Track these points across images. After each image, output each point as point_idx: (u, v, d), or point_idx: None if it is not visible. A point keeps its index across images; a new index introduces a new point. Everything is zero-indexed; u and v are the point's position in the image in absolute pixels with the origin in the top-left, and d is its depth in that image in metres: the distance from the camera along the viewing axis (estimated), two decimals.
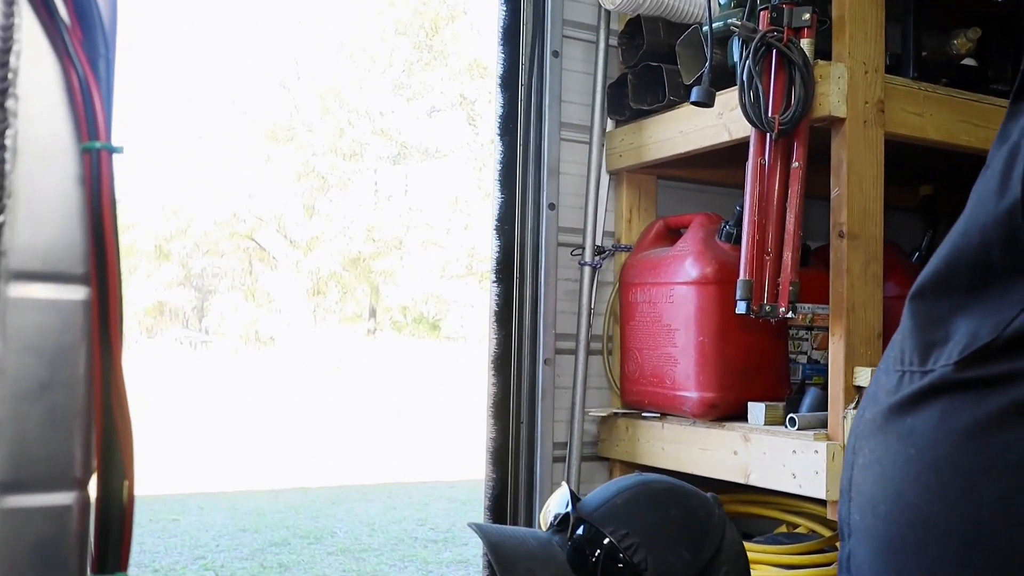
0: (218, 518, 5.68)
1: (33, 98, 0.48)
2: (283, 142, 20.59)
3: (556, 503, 1.33)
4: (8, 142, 0.47)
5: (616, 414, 2.18)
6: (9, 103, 0.47)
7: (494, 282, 2.15)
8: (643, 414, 2.13)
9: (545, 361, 2.12)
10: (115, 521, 0.52)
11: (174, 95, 20.92)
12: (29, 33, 0.49)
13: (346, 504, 6.23)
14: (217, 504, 6.11)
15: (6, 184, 0.48)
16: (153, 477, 6.72)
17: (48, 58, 0.49)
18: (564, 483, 1.39)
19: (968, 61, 2.04)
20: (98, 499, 0.53)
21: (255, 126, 20.58)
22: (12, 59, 0.48)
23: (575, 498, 1.29)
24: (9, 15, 0.48)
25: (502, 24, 2.16)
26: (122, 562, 0.52)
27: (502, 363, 2.13)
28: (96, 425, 0.52)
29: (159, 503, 5.94)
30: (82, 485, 0.52)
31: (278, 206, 21.03)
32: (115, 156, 0.50)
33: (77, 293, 0.50)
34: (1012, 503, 0.63)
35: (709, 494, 1.31)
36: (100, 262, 0.50)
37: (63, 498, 0.51)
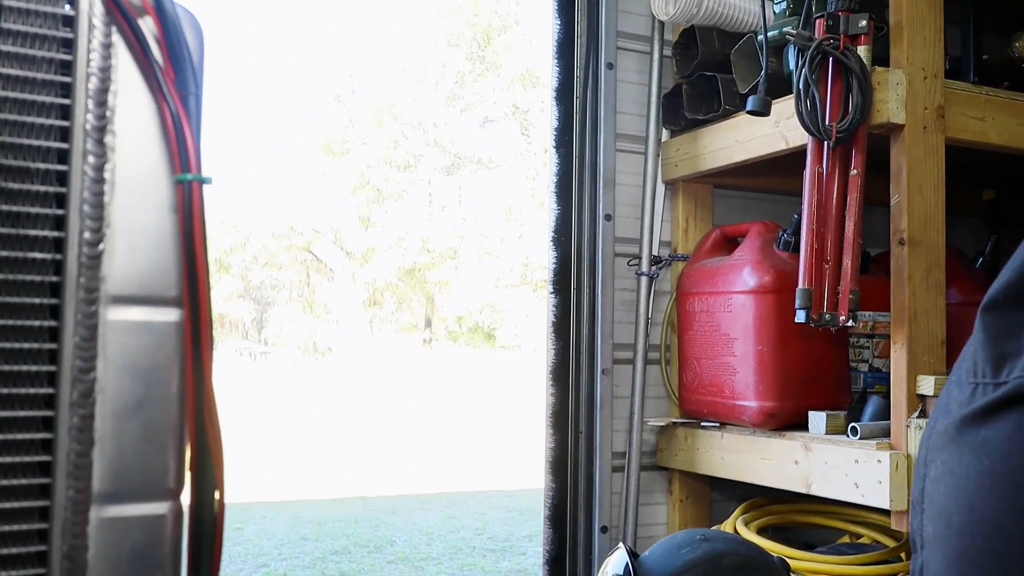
0: (280, 527, 5.77)
1: (130, 134, 0.52)
2: (338, 155, 20.88)
3: (613, 567, 1.29)
4: (107, 175, 0.51)
5: (675, 424, 2.18)
6: (107, 139, 0.51)
7: (551, 293, 2.17)
8: (702, 424, 2.13)
9: (603, 371, 2.13)
10: (207, 530, 0.55)
11: (230, 109, 21.33)
12: (125, 74, 0.52)
13: (405, 513, 6.29)
14: (279, 513, 6.21)
15: (104, 215, 0.51)
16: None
17: (144, 96, 0.52)
18: (621, 544, 1.36)
19: None
20: (191, 509, 0.56)
21: (311, 140, 20.90)
22: (110, 98, 0.51)
23: (633, 561, 1.25)
24: (107, 57, 0.51)
25: (556, 37, 2.18)
26: (214, 569, 0.55)
27: (560, 373, 2.14)
28: (189, 439, 0.55)
29: (225, 512, 6.05)
30: (175, 496, 0.55)
31: (334, 218, 21.31)
32: (204, 186, 0.53)
33: (171, 315, 0.54)
34: None
35: (777, 558, 1.27)
36: (192, 286, 0.53)
37: (158, 508, 0.54)
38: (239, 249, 21.68)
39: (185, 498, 0.56)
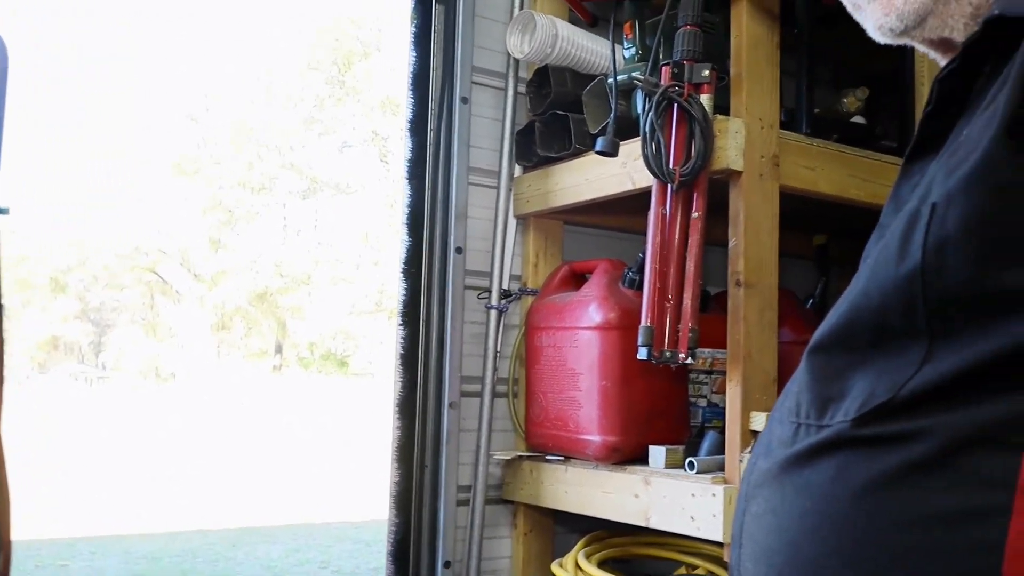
0: (110, 563, 5.45)
1: None
2: (190, 175, 20.18)
3: None
4: None
5: (521, 457, 2.18)
6: None
7: (400, 325, 2.15)
8: (547, 457, 2.14)
9: (450, 404, 2.12)
10: None
11: (75, 122, 20.31)
12: None
13: (247, 547, 6.06)
14: (109, 548, 5.86)
15: None
16: (41, 519, 6.42)
17: None
18: None
19: (857, 119, 2.15)
20: None
21: (161, 158, 20.14)
22: None
23: None
24: None
25: (412, 69, 2.18)
26: None
27: (407, 406, 2.12)
28: None
29: (47, 547, 5.68)
30: None
31: (183, 239, 20.55)
32: (1, 217, 0.49)
33: None
34: (906, 562, 0.66)
35: None
36: None
37: None
38: (78, 268, 20.57)
39: None
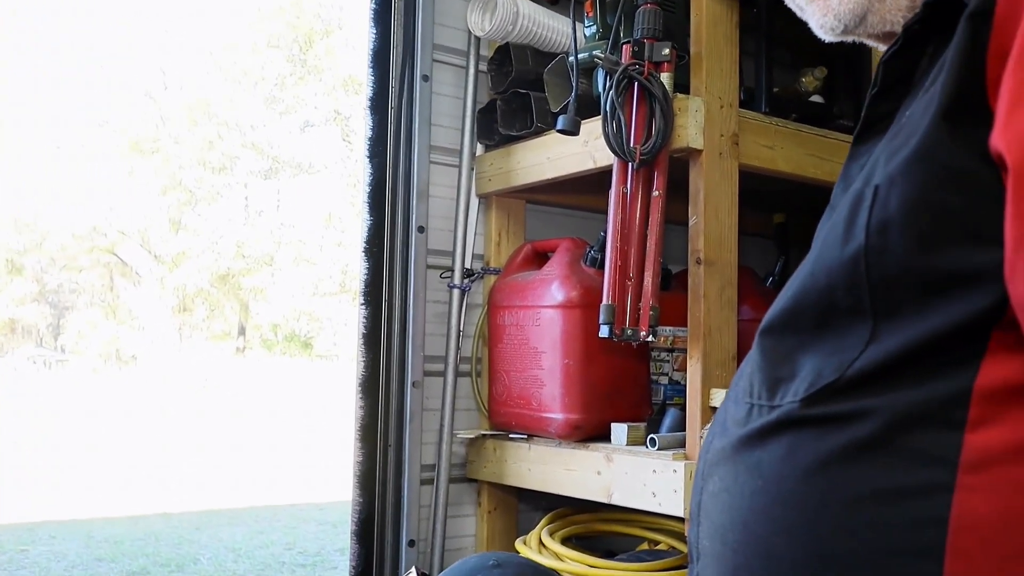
0: (72, 547, 5.40)
1: None
2: (148, 154, 19.88)
3: None
4: None
5: (484, 436, 2.19)
6: None
7: (362, 304, 2.14)
8: (510, 435, 2.15)
9: (413, 384, 2.12)
10: None
11: (28, 100, 19.91)
12: None
13: (211, 529, 6.03)
14: (71, 532, 5.81)
15: None
16: (0, 504, 6.35)
17: None
18: (414, 568, 1.36)
19: (816, 98, 2.16)
20: None
21: (118, 136, 19.80)
22: None
23: None
24: None
25: (372, 46, 2.16)
26: None
27: (370, 386, 2.11)
28: None
29: (6, 532, 5.62)
30: None
31: (142, 220, 20.26)
32: None
33: None
34: (853, 538, 0.67)
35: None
36: None
37: None
38: (35, 249, 20.23)
39: None
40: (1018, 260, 0.60)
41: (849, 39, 0.91)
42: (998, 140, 0.62)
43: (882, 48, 0.89)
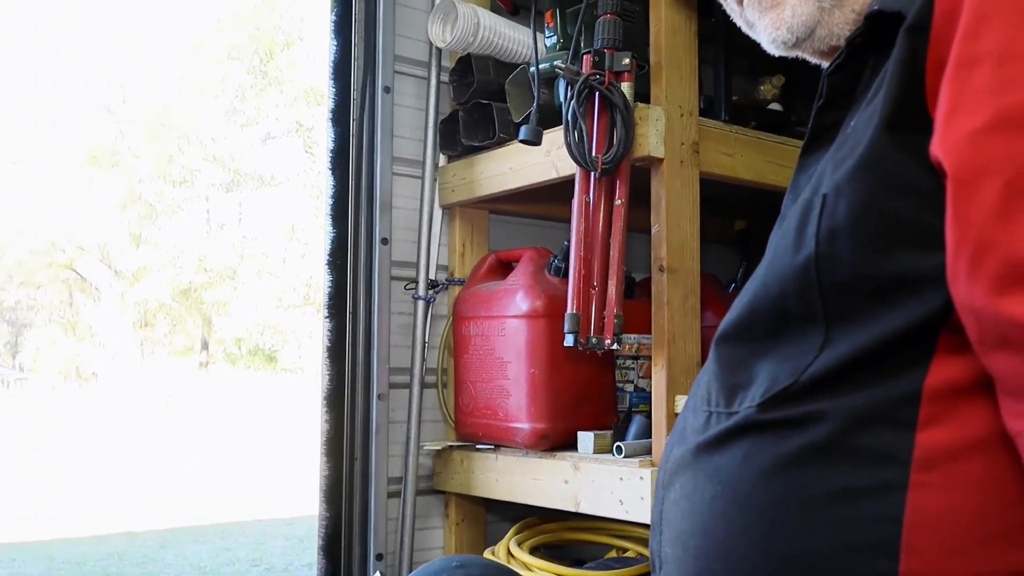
0: (33, 569, 5.30)
1: None
2: (107, 168, 19.63)
3: None
4: None
5: (451, 447, 2.19)
6: None
7: (326, 317, 2.12)
8: (477, 446, 2.14)
9: (379, 396, 2.11)
10: None
11: None
12: None
13: (176, 547, 5.95)
14: (32, 554, 5.70)
15: None
16: None
17: None
18: (377, 573, 1.35)
19: (774, 106, 2.19)
20: None
21: (76, 150, 19.54)
22: None
23: None
24: None
25: (333, 58, 2.15)
26: None
27: (335, 399, 2.10)
28: None
29: None
30: None
31: (101, 235, 19.99)
32: None
33: None
34: (811, 537, 0.68)
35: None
36: None
37: None
38: None
39: None
40: (959, 264, 0.61)
41: (793, 54, 0.93)
42: (937, 148, 0.64)
43: (824, 64, 0.91)
